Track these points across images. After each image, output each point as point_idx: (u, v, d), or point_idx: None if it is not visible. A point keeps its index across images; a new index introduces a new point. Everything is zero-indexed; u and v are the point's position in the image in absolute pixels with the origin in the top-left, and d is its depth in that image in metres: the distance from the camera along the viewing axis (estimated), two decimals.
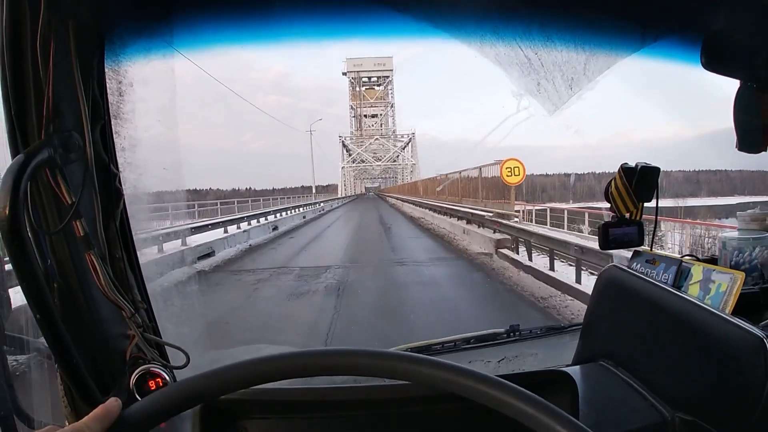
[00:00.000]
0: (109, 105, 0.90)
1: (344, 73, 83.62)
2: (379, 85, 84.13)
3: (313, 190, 53.78)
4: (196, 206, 22.41)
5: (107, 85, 0.89)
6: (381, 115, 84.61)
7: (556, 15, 0.99)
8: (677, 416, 0.87)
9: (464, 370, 0.54)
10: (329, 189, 77.38)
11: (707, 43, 0.97)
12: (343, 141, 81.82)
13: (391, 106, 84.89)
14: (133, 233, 0.96)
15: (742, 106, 1.02)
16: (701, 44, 0.98)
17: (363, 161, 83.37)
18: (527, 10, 0.98)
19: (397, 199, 44.48)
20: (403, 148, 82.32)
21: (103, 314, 0.89)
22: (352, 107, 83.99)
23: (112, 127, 0.91)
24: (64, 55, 0.78)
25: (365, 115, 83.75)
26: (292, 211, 27.29)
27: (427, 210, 23.87)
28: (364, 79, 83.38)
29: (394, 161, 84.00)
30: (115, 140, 0.91)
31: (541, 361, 1.29)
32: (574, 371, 1.07)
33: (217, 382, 0.56)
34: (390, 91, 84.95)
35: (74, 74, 0.80)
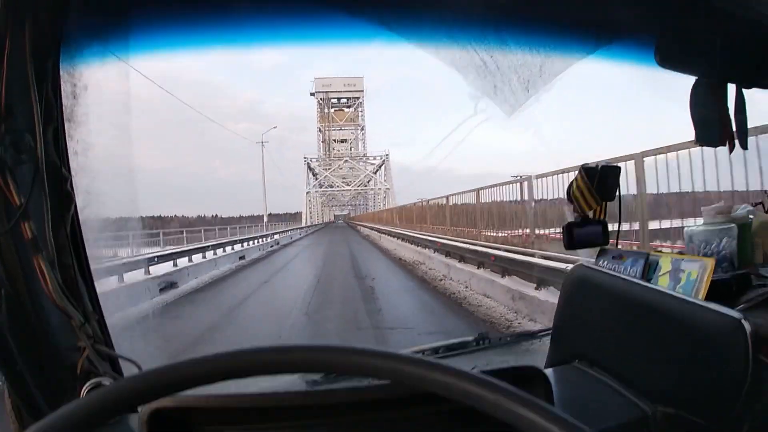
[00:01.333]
0: (63, 108, 0.91)
1: (312, 94, 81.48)
2: (349, 107, 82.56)
3: (264, 219, 45.49)
4: (161, 234, 21.71)
5: (62, 87, 0.90)
6: (351, 140, 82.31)
7: (510, 18, 1.04)
8: (658, 410, 0.88)
9: (440, 365, 0.53)
10: (296, 217, 72.51)
11: (661, 41, 1.04)
12: (308, 163, 77.52)
13: (362, 129, 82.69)
14: (85, 240, 0.95)
15: (698, 101, 1.09)
16: (655, 43, 1.04)
17: (331, 186, 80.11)
18: (482, 14, 1.02)
19: (372, 229, 38.83)
20: (376, 171, 79.08)
21: (52, 323, 0.87)
22: (320, 129, 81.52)
23: (66, 130, 0.91)
24: (18, 54, 0.79)
25: (334, 140, 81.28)
26: (219, 250, 19.06)
27: (420, 248, 16.90)
28: (333, 101, 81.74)
29: (366, 185, 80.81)
30: (68, 143, 0.92)
31: None
32: (548, 374, 1.08)
33: (156, 380, 0.51)
34: (360, 113, 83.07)
35: (28, 74, 0.81)
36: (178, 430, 0.70)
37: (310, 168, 77.75)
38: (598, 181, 1.15)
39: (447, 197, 17.84)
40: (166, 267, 13.26)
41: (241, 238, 26.27)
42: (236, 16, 1.01)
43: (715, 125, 1.06)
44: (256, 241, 27.19)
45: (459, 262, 11.99)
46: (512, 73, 1.06)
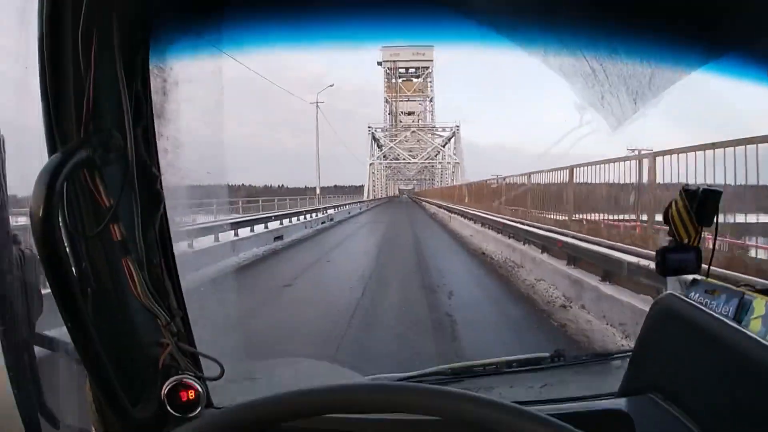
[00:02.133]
0: (153, 104, 0.91)
1: (379, 63, 77.55)
2: (417, 77, 79.04)
3: (317, 191, 39.19)
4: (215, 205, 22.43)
5: (151, 84, 0.90)
6: (418, 112, 78.83)
7: (621, 26, 0.98)
8: None
9: (511, 408, 0.54)
10: (360, 190, 68.75)
11: None
12: (373, 133, 72.10)
13: (431, 100, 78.99)
14: (172, 239, 0.98)
15: None
16: None
17: (396, 158, 76.04)
18: (592, 21, 0.98)
19: (439, 206, 33.58)
20: (444, 144, 73.80)
21: (138, 321, 0.91)
22: (386, 100, 78.05)
23: (155, 127, 0.92)
24: (106, 50, 0.78)
25: (402, 112, 77.69)
26: (259, 226, 15.76)
27: (510, 240, 12.08)
28: (401, 70, 78.73)
29: (433, 159, 76.31)
30: (157, 141, 0.93)
31: (586, 389, 1.27)
32: (622, 403, 1.06)
33: (267, 412, 0.58)
34: (430, 84, 79.28)
35: (117, 71, 0.81)
36: None
37: (374, 138, 72.68)
38: (698, 205, 1.09)
39: (529, 174, 14.23)
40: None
41: (286, 212, 22.50)
42: (322, 12, 1.01)
43: None
44: (304, 216, 23.12)
45: (603, 281, 6.67)
46: (621, 84, 1.02)
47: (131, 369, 0.90)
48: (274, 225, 17.70)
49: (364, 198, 60.57)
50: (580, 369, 1.40)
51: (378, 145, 74.19)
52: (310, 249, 15.29)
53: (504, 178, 18.57)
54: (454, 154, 70.61)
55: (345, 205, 38.60)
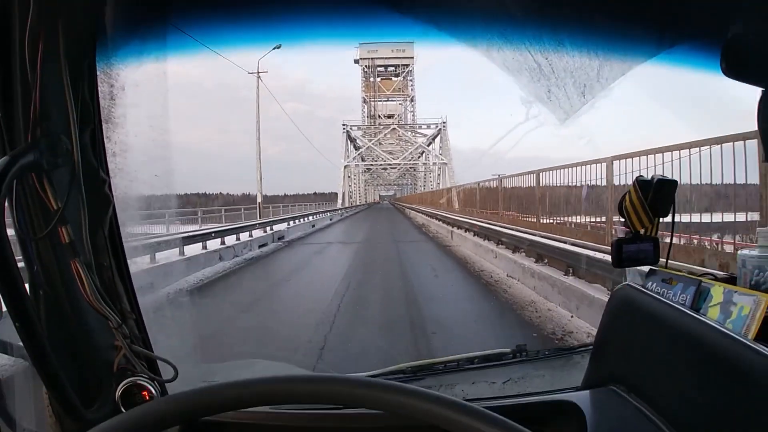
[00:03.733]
0: (100, 109, 0.94)
1: (356, 61, 73.89)
2: (397, 75, 75.59)
3: (258, 198, 29.19)
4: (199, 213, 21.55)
5: (98, 89, 0.93)
6: (398, 114, 74.54)
7: (567, 19, 1.03)
8: None
9: (452, 402, 0.55)
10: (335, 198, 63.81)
11: (728, 48, 1.01)
12: (348, 131, 66.39)
13: (412, 100, 75.01)
14: (123, 241, 1.00)
15: (765, 115, 1.06)
16: (721, 50, 1.01)
17: (375, 160, 71.17)
18: (538, 14, 1.02)
19: (428, 215, 28.80)
20: (429, 143, 68.62)
21: (90, 324, 0.93)
22: (364, 100, 74.20)
23: (103, 131, 0.95)
24: (53, 56, 0.81)
25: (380, 115, 73.56)
26: None
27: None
28: (379, 69, 75.27)
29: (417, 159, 71.65)
30: (105, 145, 0.96)
31: (548, 383, 1.32)
32: (583, 396, 1.09)
33: (206, 400, 0.59)
34: (410, 82, 75.71)
35: (63, 76, 0.84)
36: None
37: (350, 138, 67.63)
38: (653, 195, 1.14)
39: (538, 173, 12.56)
40: None
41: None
42: (273, 13, 1.05)
43: None
44: (221, 239, 14.34)
45: None
46: (568, 77, 1.06)
47: (85, 372, 0.94)
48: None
49: (339, 205, 55.47)
50: (543, 364, 1.46)
51: (354, 146, 69.38)
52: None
53: (499, 179, 16.29)
54: (441, 154, 65.14)
55: (307, 216, 31.21)
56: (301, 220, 28.25)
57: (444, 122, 66.64)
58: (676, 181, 1.17)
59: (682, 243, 6.60)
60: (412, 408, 0.56)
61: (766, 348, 0.80)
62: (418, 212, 36.58)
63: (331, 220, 35.58)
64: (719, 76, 1.03)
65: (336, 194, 64.02)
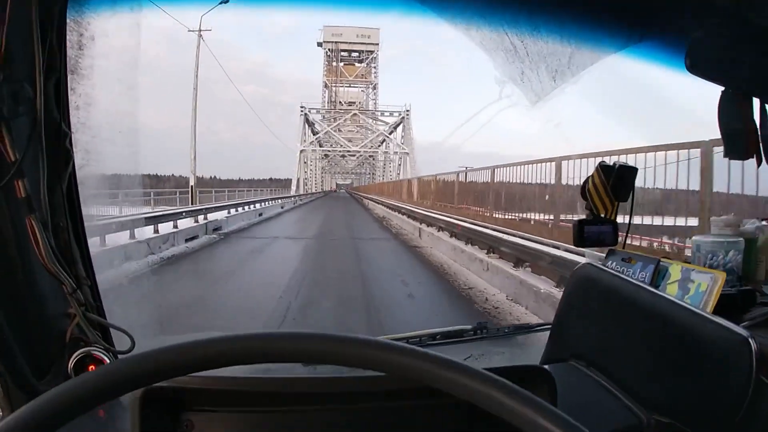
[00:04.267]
0: (67, 58, 0.91)
1: (319, 44, 73.55)
2: (361, 62, 75.26)
3: (191, 182, 26.16)
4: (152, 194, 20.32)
5: (67, 37, 0.90)
6: (360, 102, 74.01)
7: (543, 5, 1.07)
8: (653, 418, 0.92)
9: (444, 360, 0.53)
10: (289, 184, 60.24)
11: (693, 46, 1.06)
12: (306, 114, 64.75)
13: (374, 88, 74.94)
14: (81, 202, 0.97)
15: (725, 112, 1.12)
16: (686, 48, 1.06)
17: (334, 146, 69.52)
18: None
19: (391, 208, 27.27)
20: (391, 132, 67.78)
21: (42, 288, 0.89)
22: (326, 85, 72.77)
23: (68, 82, 0.92)
24: None
25: (341, 102, 72.79)
26: None
27: None
28: (343, 54, 74.66)
29: (376, 149, 70.99)
30: (69, 97, 0.92)
31: (509, 359, 1.37)
32: None
33: (153, 365, 0.52)
34: (374, 69, 75.36)
35: (32, 20, 0.80)
36: (170, 409, 0.75)
37: (308, 121, 66.05)
38: (614, 180, 1.20)
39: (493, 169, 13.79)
40: None
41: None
42: None
43: (742, 138, 1.11)
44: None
45: None
46: (541, 61, 1.10)
47: (36, 341, 0.89)
48: None
49: (292, 192, 51.68)
50: (503, 341, 1.50)
51: (313, 131, 66.93)
52: None
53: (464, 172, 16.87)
54: (403, 143, 63.49)
55: (254, 203, 28.23)
56: (248, 207, 25.19)
57: (408, 110, 65.70)
58: (636, 168, 1.24)
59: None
60: (409, 369, 0.53)
61: (724, 320, 0.85)
62: (378, 203, 35.53)
63: (282, 208, 33.17)
64: (684, 73, 1.07)
65: (300, 181, 61.03)
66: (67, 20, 0.89)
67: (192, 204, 21.38)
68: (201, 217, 17.26)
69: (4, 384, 0.85)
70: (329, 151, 71.79)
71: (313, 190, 66.55)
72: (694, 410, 0.87)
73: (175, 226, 14.33)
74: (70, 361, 0.93)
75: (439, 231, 14.90)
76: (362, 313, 6.92)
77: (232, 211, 21.82)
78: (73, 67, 0.93)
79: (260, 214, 25.05)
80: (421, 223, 17.57)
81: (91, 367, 0.93)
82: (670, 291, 1.03)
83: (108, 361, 0.93)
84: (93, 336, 0.95)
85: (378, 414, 0.79)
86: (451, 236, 13.40)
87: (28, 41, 0.81)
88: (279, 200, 36.69)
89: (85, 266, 0.98)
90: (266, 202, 31.55)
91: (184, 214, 16.15)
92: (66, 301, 0.93)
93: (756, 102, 1.10)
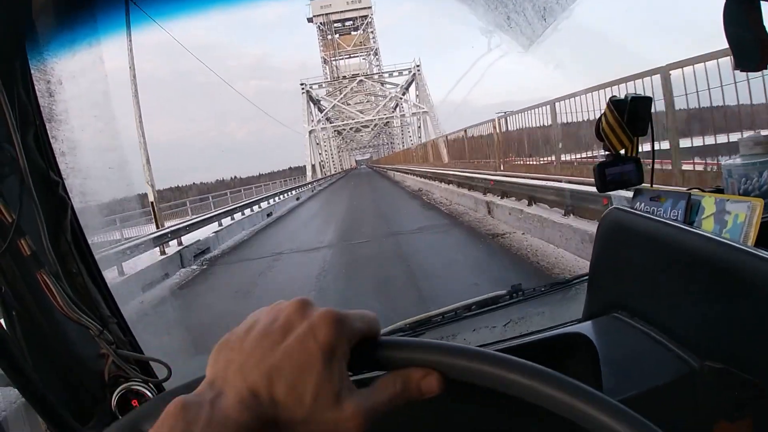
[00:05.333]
0: (41, 108, 0.92)
1: (310, 20, 69.56)
2: (356, 29, 70.99)
3: (150, 196, 17.63)
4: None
5: (36, 87, 0.91)
6: (363, 71, 69.06)
7: None
8: (706, 365, 0.89)
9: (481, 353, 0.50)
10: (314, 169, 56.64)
11: None
12: (308, 90, 59.32)
13: (375, 54, 70.19)
14: (89, 243, 0.99)
15: (731, 21, 1.05)
16: None
17: (345, 120, 64.73)
18: None
19: (431, 177, 21.95)
20: (404, 93, 62.01)
21: (70, 336, 0.92)
22: (324, 60, 68.45)
23: (48, 131, 0.93)
24: None
25: (344, 76, 68.04)
26: None
27: None
28: (336, 25, 70.91)
29: (391, 114, 65.85)
30: (53, 145, 0.94)
31: (549, 320, 1.35)
32: (587, 327, 1.11)
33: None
34: (371, 34, 71.09)
35: None
36: None
37: (312, 99, 61.05)
38: (629, 114, 1.15)
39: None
40: None
41: None
42: None
43: (753, 46, 1.04)
44: None
45: None
46: (526, 1, 1.04)
47: (75, 387, 0.93)
48: None
49: (308, 178, 47.90)
50: (541, 301, 1.49)
51: (319, 108, 62.37)
52: None
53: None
54: (418, 102, 58.14)
55: (260, 202, 23.79)
56: (249, 210, 20.84)
57: (418, 65, 59.61)
58: (650, 98, 1.18)
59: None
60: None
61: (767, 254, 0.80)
62: (406, 173, 31.02)
63: (298, 200, 28.32)
64: None
65: (315, 166, 57.40)
66: (31, 71, 0.90)
67: (158, 226, 15.69)
68: (175, 243, 13.26)
69: None
70: (340, 126, 67.87)
71: (332, 172, 63.46)
72: (748, 353, 0.84)
73: (122, 273, 8.95)
74: (113, 400, 0.96)
75: (520, 201, 10.69)
76: None
77: (231, 218, 18.15)
78: (49, 115, 0.95)
79: (269, 214, 21.14)
80: (485, 193, 12.93)
81: (134, 402, 0.97)
82: (706, 226, 1.00)
83: (149, 393, 0.97)
84: (130, 371, 0.99)
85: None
86: (529, 204, 10.10)
87: None
88: (293, 191, 31.90)
89: (108, 305, 1.01)
90: (275, 198, 26.33)
91: (143, 246, 11.05)
92: (96, 343, 0.95)
93: (765, 6, 1.03)
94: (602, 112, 1.18)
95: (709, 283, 0.89)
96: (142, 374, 1.00)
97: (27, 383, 0.81)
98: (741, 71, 1.09)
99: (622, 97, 1.16)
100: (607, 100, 1.16)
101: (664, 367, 0.94)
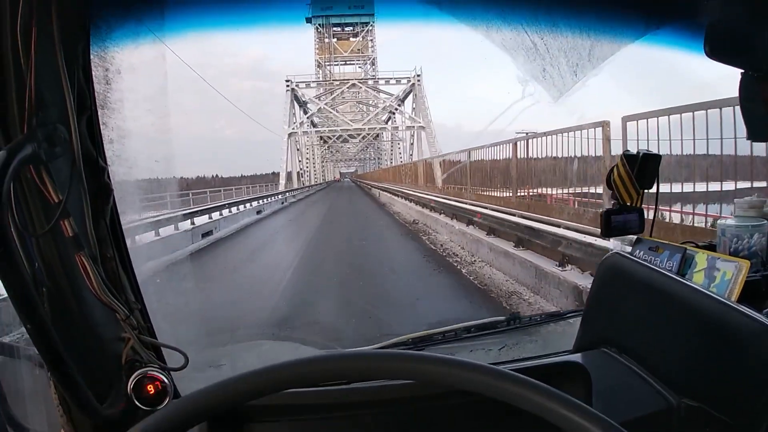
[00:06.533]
0: (96, 95, 0.95)
1: (308, 19, 69.18)
2: (355, 35, 63.10)
3: None
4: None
5: (93, 74, 0.93)
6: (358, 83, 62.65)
7: (562, 0, 1.12)
8: (683, 402, 1.01)
9: (476, 365, 0.63)
10: (300, 176, 53.68)
11: (710, 31, 1.11)
12: (293, 89, 53.23)
13: (373, 63, 62.27)
14: (124, 230, 1.02)
15: (746, 95, 1.17)
16: (704, 32, 1.11)
17: (331, 127, 58.57)
18: None
19: (412, 200, 20.21)
20: (400, 104, 55.86)
21: (97, 318, 0.95)
22: (318, 64, 60.45)
23: (99, 118, 0.96)
24: (47, 41, 0.81)
25: (336, 81, 60.01)
26: None
27: None
28: (335, 29, 62.89)
29: (383, 126, 59.55)
30: (102, 132, 0.97)
31: (541, 348, 1.46)
32: (577, 358, 1.21)
33: (230, 393, 0.64)
34: (371, 42, 63.19)
35: (58, 62, 0.83)
36: (233, 426, 0.86)
37: (297, 99, 54.66)
38: (638, 168, 1.26)
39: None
40: None
41: None
42: None
43: (764, 120, 1.16)
44: None
45: None
46: (562, 57, 1.16)
47: (95, 366, 0.96)
48: None
49: (281, 188, 41.88)
50: (535, 330, 1.60)
51: (304, 111, 56.34)
52: None
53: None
54: (414, 115, 53.62)
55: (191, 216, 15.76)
56: (174, 227, 13.64)
57: (418, 76, 53.84)
58: (660, 156, 1.30)
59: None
60: (447, 377, 0.64)
61: (748, 309, 0.93)
62: (396, 195, 26.19)
63: (258, 214, 23.04)
64: (703, 57, 1.13)
65: (292, 173, 51.67)
66: (92, 57, 0.93)
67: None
68: None
69: (68, 410, 0.93)
70: (326, 132, 61.84)
71: (312, 182, 58.02)
72: (722, 395, 0.96)
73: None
74: (129, 383, 1.00)
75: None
76: None
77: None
78: (103, 102, 0.98)
79: (207, 233, 15.03)
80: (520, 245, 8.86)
81: (149, 386, 1.01)
82: (697, 279, 1.11)
83: (165, 379, 1.02)
84: (148, 356, 1.03)
85: (419, 414, 0.90)
86: None
87: (57, 83, 0.84)
88: (253, 203, 25.18)
89: (134, 291, 1.05)
90: (220, 212, 18.89)
91: None
92: (120, 327, 0.99)
93: None
94: (614, 164, 1.29)
95: (695, 330, 1.01)
96: (158, 360, 1.05)
97: (56, 357, 0.84)
98: (754, 141, 1.22)
99: (635, 152, 1.27)
100: (621, 155, 1.28)
101: (646, 400, 1.05)
